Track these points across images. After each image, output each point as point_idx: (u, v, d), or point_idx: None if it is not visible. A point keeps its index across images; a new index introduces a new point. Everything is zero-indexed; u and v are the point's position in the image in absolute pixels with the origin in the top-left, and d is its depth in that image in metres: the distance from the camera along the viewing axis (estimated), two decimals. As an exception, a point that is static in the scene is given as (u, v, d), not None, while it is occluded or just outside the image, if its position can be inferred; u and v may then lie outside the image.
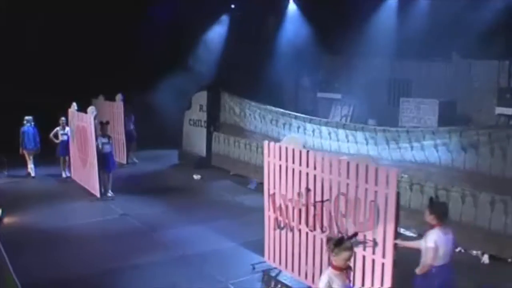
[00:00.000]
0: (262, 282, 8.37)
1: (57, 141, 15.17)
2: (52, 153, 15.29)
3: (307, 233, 7.93)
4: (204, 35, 19.40)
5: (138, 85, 17.58)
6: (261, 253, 9.10)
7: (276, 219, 8.53)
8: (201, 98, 17.05)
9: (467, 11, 13.13)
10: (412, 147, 11.33)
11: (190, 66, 18.46)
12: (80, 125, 14.07)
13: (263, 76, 17.48)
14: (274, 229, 8.60)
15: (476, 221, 8.96)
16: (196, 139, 17.26)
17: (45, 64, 17.42)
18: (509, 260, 8.66)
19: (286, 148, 8.17)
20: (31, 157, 15.39)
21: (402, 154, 11.54)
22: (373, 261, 6.86)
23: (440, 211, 6.29)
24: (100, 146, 13.07)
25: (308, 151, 7.87)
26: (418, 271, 6.29)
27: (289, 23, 18.40)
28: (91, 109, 13.71)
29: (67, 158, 15.27)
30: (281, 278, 8.44)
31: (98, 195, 13.14)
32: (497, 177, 9.50)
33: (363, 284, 7.03)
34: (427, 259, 6.17)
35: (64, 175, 15.28)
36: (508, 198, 8.50)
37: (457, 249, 9.43)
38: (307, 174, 7.78)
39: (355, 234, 5.81)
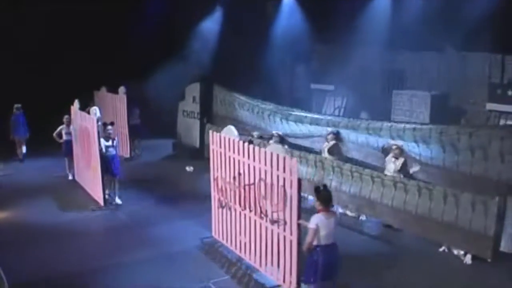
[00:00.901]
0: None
1: (60, 141, 14.54)
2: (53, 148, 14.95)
3: (240, 212, 9.12)
4: (198, 25, 19.30)
5: (133, 75, 17.56)
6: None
7: (219, 199, 9.79)
8: (194, 89, 17.05)
9: (462, 2, 13.01)
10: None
11: (185, 56, 18.43)
12: (83, 126, 13.26)
13: (258, 66, 17.43)
14: (218, 208, 9.87)
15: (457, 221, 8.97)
16: (189, 130, 17.30)
17: (41, 59, 17.60)
18: (489, 260, 8.68)
19: (225, 138, 9.35)
20: (22, 145, 16.31)
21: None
22: (284, 237, 7.97)
23: (324, 197, 7.11)
24: (104, 150, 12.20)
25: (239, 141, 9.01)
26: (303, 248, 7.17)
27: (283, 12, 18.27)
28: (94, 110, 13.15)
29: (72, 158, 14.49)
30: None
31: (101, 203, 12.23)
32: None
33: (278, 258, 8.19)
34: (307, 239, 7.02)
35: (70, 177, 14.58)
36: (488, 199, 8.49)
37: (441, 249, 9.54)
38: (239, 161, 8.94)
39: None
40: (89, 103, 17.53)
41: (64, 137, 14.47)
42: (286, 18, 18.10)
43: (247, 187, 8.76)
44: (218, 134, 9.69)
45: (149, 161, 16.81)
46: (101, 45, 18.12)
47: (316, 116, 13.32)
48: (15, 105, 16.52)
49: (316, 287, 7.15)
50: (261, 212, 8.47)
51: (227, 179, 9.37)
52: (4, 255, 9.44)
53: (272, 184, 8.11)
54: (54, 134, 14.48)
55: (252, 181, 8.62)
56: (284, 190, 7.84)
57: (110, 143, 12.34)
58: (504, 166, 9.09)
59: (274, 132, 13.16)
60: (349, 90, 16.50)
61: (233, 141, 9.14)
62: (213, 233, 10.21)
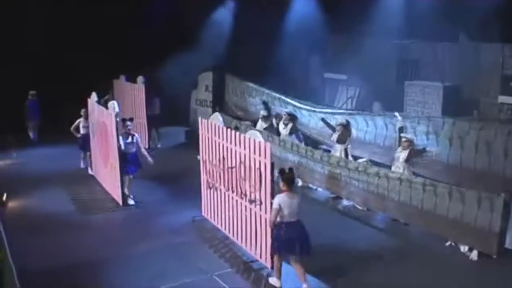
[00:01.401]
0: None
1: (78, 135, 14.14)
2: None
3: (224, 192, 9.82)
4: (212, 14, 19.25)
5: (147, 63, 17.62)
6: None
7: (207, 180, 10.53)
8: (206, 78, 17.11)
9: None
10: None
11: (198, 45, 18.40)
12: (100, 121, 12.67)
13: (272, 56, 17.42)
14: (206, 189, 10.60)
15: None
16: (202, 118, 17.31)
17: (59, 47, 17.60)
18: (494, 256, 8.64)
19: (212, 124, 10.16)
20: (35, 130, 17.07)
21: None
22: (260, 216, 8.58)
23: (287, 179, 7.77)
24: (123, 147, 11.61)
25: (224, 128, 9.75)
26: (269, 224, 8.00)
27: (297, 2, 18.17)
28: (112, 105, 12.44)
29: (89, 153, 14.11)
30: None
31: (120, 202, 11.70)
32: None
33: (255, 235, 8.81)
34: (271, 216, 7.83)
35: (90, 171, 14.12)
36: (494, 195, 8.43)
37: (447, 243, 9.50)
38: (223, 145, 9.65)
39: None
40: (108, 91, 17.78)
41: (82, 130, 14.05)
42: (300, 8, 17.99)
43: (229, 170, 9.47)
44: (206, 120, 10.52)
45: (162, 149, 16.85)
46: (118, 34, 18.15)
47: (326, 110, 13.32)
48: (30, 92, 17.32)
49: (280, 258, 7.95)
50: (241, 192, 9.14)
51: (214, 162, 10.14)
52: (14, 244, 9.54)
53: (250, 167, 8.73)
54: (72, 128, 14.02)
55: (234, 164, 9.30)
56: (260, 172, 8.43)
57: (130, 139, 11.75)
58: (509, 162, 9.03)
59: (284, 111, 13.33)
60: (362, 80, 16.46)
61: (219, 127, 9.88)
62: (202, 213, 10.89)
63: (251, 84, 15.56)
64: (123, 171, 11.57)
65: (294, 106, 14.02)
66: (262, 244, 8.66)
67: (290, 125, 13.05)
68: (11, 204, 11.78)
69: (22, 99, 17.33)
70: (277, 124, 13.55)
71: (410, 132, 10.82)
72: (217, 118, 10.54)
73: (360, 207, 11.26)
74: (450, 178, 9.96)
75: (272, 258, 8.27)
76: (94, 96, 13.57)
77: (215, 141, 9.96)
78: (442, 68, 14.80)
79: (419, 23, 14.25)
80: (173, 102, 18.23)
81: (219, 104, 16.75)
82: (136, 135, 12.02)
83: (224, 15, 19.23)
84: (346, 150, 11.74)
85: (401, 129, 10.79)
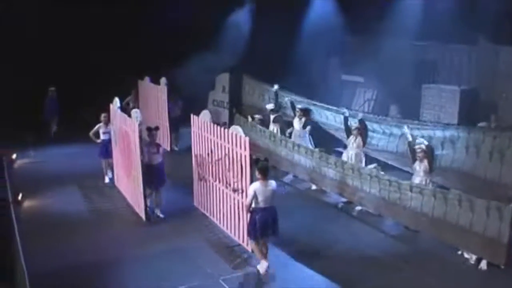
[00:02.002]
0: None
1: (98, 141, 13.37)
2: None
3: (212, 183, 10.68)
4: (231, 16, 19.28)
5: (167, 64, 17.72)
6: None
7: (198, 172, 11.34)
8: (224, 79, 17.19)
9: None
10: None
11: (217, 46, 18.44)
12: (123, 129, 12.02)
13: (289, 57, 17.40)
14: (197, 180, 11.39)
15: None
16: (219, 119, 17.38)
17: (81, 46, 17.82)
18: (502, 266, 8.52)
19: (202, 121, 11.00)
20: (54, 124, 17.51)
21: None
22: (242, 203, 9.29)
23: (262, 168, 8.45)
24: (147, 158, 10.98)
25: (212, 123, 10.54)
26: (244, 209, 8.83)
27: (316, 3, 18.09)
28: (135, 113, 12.03)
29: (110, 161, 13.42)
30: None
31: (143, 216, 11.02)
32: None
33: (238, 221, 9.62)
34: (245, 202, 8.68)
35: (106, 179, 13.51)
36: (502, 205, 8.30)
37: (460, 252, 9.37)
38: (211, 140, 10.53)
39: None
40: (131, 92, 17.82)
41: (102, 136, 13.28)
42: (318, 9, 17.92)
43: (216, 162, 10.38)
44: (195, 117, 11.37)
45: (178, 150, 16.83)
46: (138, 34, 18.29)
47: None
48: (50, 88, 17.74)
49: (256, 241, 8.62)
50: (226, 182, 9.99)
51: (203, 155, 11.01)
52: (28, 243, 9.75)
53: (233, 159, 9.58)
54: (91, 134, 13.31)
55: (220, 156, 10.17)
56: (241, 164, 9.27)
57: (155, 150, 11.14)
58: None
59: (298, 107, 13.55)
60: (380, 82, 16.31)
61: (207, 123, 10.77)
62: (194, 202, 11.69)
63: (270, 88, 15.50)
64: (147, 184, 10.96)
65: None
66: (244, 229, 9.29)
67: (303, 119, 13.30)
68: (27, 204, 12.01)
69: (41, 98, 17.60)
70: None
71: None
72: (206, 115, 11.37)
73: (372, 212, 11.19)
74: (462, 185, 9.81)
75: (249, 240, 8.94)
76: (116, 102, 13.02)
77: (204, 136, 10.86)
78: (461, 71, 14.60)
79: (438, 25, 14.07)
80: (191, 103, 18.34)
81: (235, 105, 16.79)
82: (162, 145, 11.51)
83: (242, 16, 19.21)
84: (359, 155, 11.67)
85: (410, 143, 10.54)
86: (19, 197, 11.98)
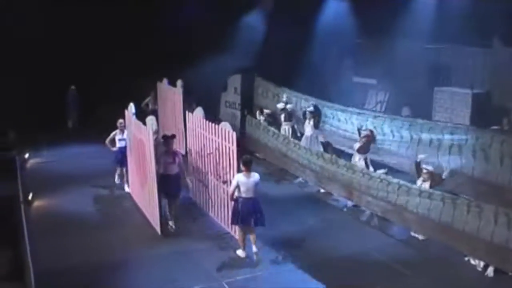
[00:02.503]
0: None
1: (113, 149, 12.83)
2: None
3: (204, 175, 11.35)
4: (245, 16, 19.22)
5: (179, 66, 17.75)
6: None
7: (192, 166, 11.90)
8: (236, 80, 17.17)
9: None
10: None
11: (231, 47, 18.43)
12: (137, 137, 11.46)
13: (302, 59, 17.34)
14: (193, 174, 11.76)
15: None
16: (230, 121, 17.35)
17: (101, 47, 17.89)
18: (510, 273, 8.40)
19: (196, 118, 11.74)
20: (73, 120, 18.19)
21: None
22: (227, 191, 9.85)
23: (245, 161, 9.19)
24: (162, 169, 10.42)
25: (205, 120, 11.25)
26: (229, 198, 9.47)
27: (329, 6, 17.98)
28: (150, 121, 12.00)
29: (126, 169, 12.86)
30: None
31: (159, 231, 10.40)
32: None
33: (227, 211, 10.14)
34: (230, 191, 9.33)
35: (127, 189, 12.91)
36: (511, 211, 8.17)
37: (467, 258, 9.25)
38: (204, 135, 11.21)
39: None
40: (150, 93, 17.52)
41: (118, 144, 12.75)
42: (331, 11, 17.81)
43: (208, 156, 11.03)
44: (190, 114, 12.13)
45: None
46: (153, 35, 18.33)
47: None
48: (71, 87, 18.55)
49: (239, 227, 9.31)
50: (217, 174, 10.66)
51: (197, 150, 11.64)
52: (36, 242, 9.83)
53: (223, 152, 10.24)
54: (107, 141, 12.79)
55: (211, 150, 10.80)
56: (229, 157, 9.97)
57: (171, 159, 10.51)
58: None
59: (308, 109, 13.50)
60: (392, 84, 16.18)
61: (201, 119, 11.47)
62: (190, 194, 12.06)
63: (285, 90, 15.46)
64: (162, 195, 10.54)
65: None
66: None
67: (313, 120, 13.29)
68: (37, 203, 12.13)
69: (57, 99, 17.77)
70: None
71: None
72: (200, 112, 12.76)
73: (381, 215, 11.10)
74: (471, 191, 9.71)
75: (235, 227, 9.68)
76: (131, 108, 12.74)
77: (198, 132, 11.47)
78: (474, 74, 14.41)
79: (451, 27, 13.90)
80: (204, 104, 18.35)
81: (247, 106, 16.77)
82: (179, 154, 10.89)
83: (256, 18, 19.16)
84: (365, 160, 11.59)
85: (418, 164, 10.37)
86: (29, 197, 12.08)
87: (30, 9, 17.20)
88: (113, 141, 12.77)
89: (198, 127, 11.51)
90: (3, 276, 10.10)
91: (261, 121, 15.13)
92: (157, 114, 16.74)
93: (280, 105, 14.60)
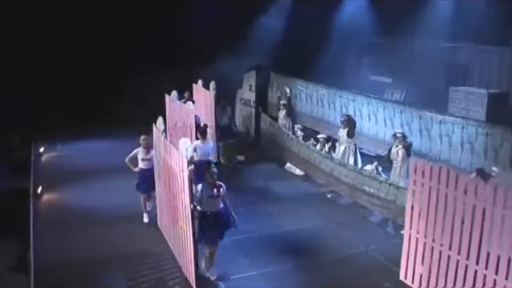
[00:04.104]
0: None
1: (135, 170, 10.56)
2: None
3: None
4: (262, 14, 19.12)
5: (196, 63, 17.76)
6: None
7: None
8: (251, 77, 17.11)
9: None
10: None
11: (250, 44, 18.34)
12: (167, 161, 9.09)
13: (320, 57, 17.21)
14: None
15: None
16: (245, 118, 17.37)
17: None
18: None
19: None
20: None
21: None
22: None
23: (201, 131, 10.98)
24: (198, 206, 8.15)
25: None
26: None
27: (348, 4, 17.82)
28: (184, 142, 10.44)
29: (151, 194, 10.66)
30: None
31: (193, 284, 8.22)
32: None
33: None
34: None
35: (145, 219, 10.75)
36: None
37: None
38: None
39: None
40: (184, 95, 15.78)
41: (141, 164, 10.49)
42: (349, 10, 17.67)
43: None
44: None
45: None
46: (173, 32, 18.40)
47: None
48: None
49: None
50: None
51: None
52: (41, 236, 9.93)
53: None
54: (127, 160, 10.52)
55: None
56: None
57: (214, 192, 8.20)
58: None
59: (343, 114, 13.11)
60: (409, 83, 15.97)
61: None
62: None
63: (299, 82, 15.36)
64: (200, 238, 8.29)
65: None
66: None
67: (347, 129, 12.48)
68: (46, 197, 12.19)
69: (78, 94, 17.92)
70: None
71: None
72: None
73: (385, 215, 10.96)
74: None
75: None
76: (160, 123, 11.47)
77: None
78: (492, 73, 14.12)
79: (469, 26, 13.70)
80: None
81: (262, 104, 16.71)
82: (223, 186, 8.35)
83: (275, 15, 19.04)
84: (355, 146, 11.63)
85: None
86: (39, 190, 12.21)
87: (43, 4, 17.38)
88: (134, 160, 10.60)
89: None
90: (12, 267, 10.33)
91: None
92: None
93: (283, 101, 14.42)
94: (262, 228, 10.36)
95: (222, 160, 14.26)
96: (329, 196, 12.39)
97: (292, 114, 14.56)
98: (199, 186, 8.27)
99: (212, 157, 11.43)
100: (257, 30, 18.75)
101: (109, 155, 15.06)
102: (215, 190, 8.26)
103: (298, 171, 13.82)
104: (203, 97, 14.91)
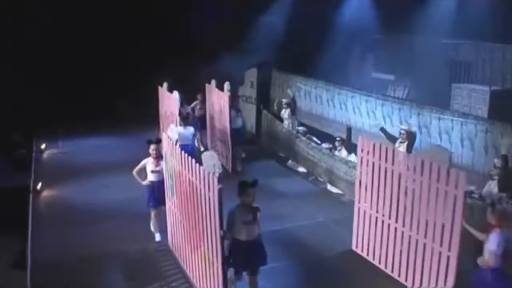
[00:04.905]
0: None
1: (144, 183, 9.49)
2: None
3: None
4: (264, 11, 19.03)
5: (198, 61, 17.69)
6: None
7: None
8: (252, 74, 17.04)
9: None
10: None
11: (252, 42, 18.25)
12: (186, 177, 7.80)
13: (322, 54, 17.13)
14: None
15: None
16: (247, 115, 17.26)
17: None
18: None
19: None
20: None
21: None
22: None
23: (183, 118, 11.95)
24: (236, 233, 6.95)
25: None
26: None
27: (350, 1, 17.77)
28: (209, 156, 9.71)
29: (162, 208, 9.46)
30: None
31: None
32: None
33: None
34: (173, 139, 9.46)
35: (157, 237, 9.65)
36: None
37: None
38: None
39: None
40: (197, 96, 15.31)
41: (150, 177, 9.40)
42: (352, 7, 17.59)
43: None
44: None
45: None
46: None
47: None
48: None
49: None
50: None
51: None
52: (39, 233, 9.92)
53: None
54: (134, 172, 9.47)
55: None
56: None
57: (249, 217, 6.94)
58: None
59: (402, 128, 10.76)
60: (411, 80, 15.89)
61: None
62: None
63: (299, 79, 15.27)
64: (234, 268, 7.13)
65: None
66: None
67: (406, 142, 10.29)
68: (46, 193, 12.20)
69: (79, 91, 17.89)
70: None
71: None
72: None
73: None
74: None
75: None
76: (173, 130, 11.18)
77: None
78: (495, 70, 14.04)
79: (472, 22, 13.63)
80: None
81: (263, 101, 16.64)
82: (260, 208, 7.15)
83: (276, 13, 18.95)
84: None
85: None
86: (38, 186, 12.19)
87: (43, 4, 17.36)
88: (142, 173, 9.57)
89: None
90: (12, 264, 10.33)
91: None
92: (204, 120, 15.09)
93: (286, 100, 14.14)
94: (262, 225, 10.25)
95: (239, 168, 13.59)
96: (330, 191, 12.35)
97: (295, 113, 14.24)
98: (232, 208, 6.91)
99: (192, 142, 12.32)
100: (259, 27, 18.71)
101: (110, 152, 15.35)
102: (251, 214, 6.95)
103: (300, 169, 13.73)
104: (217, 99, 14.01)
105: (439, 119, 11.07)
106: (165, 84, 14.83)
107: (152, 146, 9.29)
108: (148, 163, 9.41)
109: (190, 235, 8.10)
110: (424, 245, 7.64)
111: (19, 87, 16.74)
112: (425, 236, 7.57)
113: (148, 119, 15.90)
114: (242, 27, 18.31)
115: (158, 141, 9.32)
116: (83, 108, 17.19)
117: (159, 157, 9.25)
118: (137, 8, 17.77)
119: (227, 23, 17.72)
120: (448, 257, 7.20)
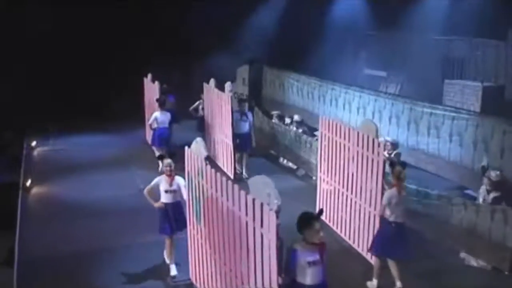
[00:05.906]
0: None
1: (156, 205, 8.27)
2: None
3: None
4: (256, 8, 18.95)
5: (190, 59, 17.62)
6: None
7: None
8: (244, 71, 16.99)
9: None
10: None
11: (243, 38, 18.18)
12: (221, 202, 6.47)
13: (314, 51, 17.09)
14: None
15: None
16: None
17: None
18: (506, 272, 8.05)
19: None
20: None
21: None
22: None
23: (159, 102, 12.47)
24: (298, 275, 5.54)
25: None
26: None
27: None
28: (261, 185, 6.08)
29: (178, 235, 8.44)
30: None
31: None
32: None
33: None
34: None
35: (173, 271, 8.23)
36: (507, 208, 7.84)
37: (461, 255, 8.87)
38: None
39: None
40: (200, 96, 14.48)
41: (164, 198, 8.26)
42: (344, 3, 17.53)
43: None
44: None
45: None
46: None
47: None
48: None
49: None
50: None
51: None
52: (27, 229, 9.84)
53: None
54: (145, 192, 8.32)
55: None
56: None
57: (316, 255, 5.54)
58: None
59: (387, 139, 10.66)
60: (404, 77, 15.85)
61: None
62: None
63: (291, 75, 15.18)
64: None
65: None
66: None
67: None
68: (35, 190, 12.11)
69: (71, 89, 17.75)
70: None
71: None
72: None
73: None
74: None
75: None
76: (200, 144, 7.83)
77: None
78: (488, 67, 14.01)
79: (465, 19, 13.62)
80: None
81: (255, 97, 16.58)
82: (283, 242, 5.94)
83: (269, 10, 18.88)
84: None
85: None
86: (27, 183, 12.09)
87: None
88: (154, 193, 8.39)
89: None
90: (1, 262, 10.26)
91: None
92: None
93: (297, 118, 13.64)
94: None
95: (244, 175, 12.65)
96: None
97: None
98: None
99: (169, 126, 12.99)
100: (251, 24, 18.63)
101: (101, 149, 15.30)
102: (317, 252, 5.56)
103: (291, 165, 13.66)
104: (216, 100, 13.01)
105: (431, 114, 10.98)
106: (149, 75, 14.94)
107: (166, 162, 8.18)
108: (162, 181, 8.22)
109: (230, 277, 6.50)
110: (364, 209, 8.58)
111: (10, 86, 16.61)
112: (365, 201, 8.51)
113: (140, 117, 15.81)
114: (234, 24, 18.22)
115: (172, 155, 8.28)
116: (74, 105, 17.18)
117: (172, 175, 8.18)
118: (136, 9, 17.65)
119: (219, 21, 17.65)
120: (375, 216, 8.16)
